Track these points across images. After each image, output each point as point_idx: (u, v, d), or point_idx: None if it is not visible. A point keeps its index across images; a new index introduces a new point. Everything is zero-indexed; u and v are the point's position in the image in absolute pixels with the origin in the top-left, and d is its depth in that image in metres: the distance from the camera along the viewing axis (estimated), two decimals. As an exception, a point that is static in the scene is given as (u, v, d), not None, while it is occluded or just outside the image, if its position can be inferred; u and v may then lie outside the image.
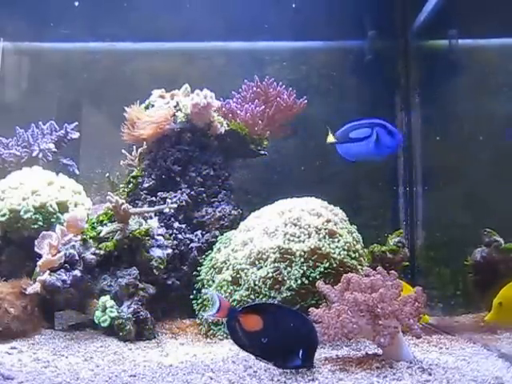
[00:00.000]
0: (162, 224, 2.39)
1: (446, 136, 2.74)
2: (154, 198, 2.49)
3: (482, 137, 2.61)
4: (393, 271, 1.71)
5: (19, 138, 2.73)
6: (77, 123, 2.84)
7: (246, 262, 2.07)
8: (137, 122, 2.55)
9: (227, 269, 2.14)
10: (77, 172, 2.82)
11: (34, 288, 2.00)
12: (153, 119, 2.52)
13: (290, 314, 1.60)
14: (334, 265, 1.99)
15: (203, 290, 2.09)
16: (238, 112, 2.63)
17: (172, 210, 2.42)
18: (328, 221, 2.11)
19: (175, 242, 2.38)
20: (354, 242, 2.11)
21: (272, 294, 1.97)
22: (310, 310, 1.65)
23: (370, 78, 3.03)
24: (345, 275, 1.70)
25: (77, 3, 2.97)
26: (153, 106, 2.63)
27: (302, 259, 1.99)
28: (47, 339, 1.94)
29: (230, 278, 2.09)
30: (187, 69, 3.08)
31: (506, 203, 2.42)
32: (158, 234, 2.22)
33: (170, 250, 2.23)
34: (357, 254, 2.09)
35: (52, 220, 2.31)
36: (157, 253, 2.17)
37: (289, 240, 2.04)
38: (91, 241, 2.13)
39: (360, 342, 1.88)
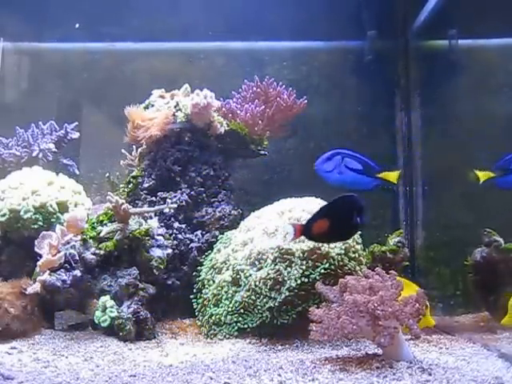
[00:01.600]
0: (162, 224, 2.39)
1: (446, 136, 2.74)
2: (154, 198, 2.49)
3: (482, 136, 2.61)
4: (392, 271, 1.71)
5: (19, 138, 2.73)
6: (77, 123, 2.84)
7: (246, 262, 2.07)
8: (139, 124, 2.55)
9: (227, 269, 2.14)
10: (77, 172, 2.82)
11: (34, 288, 2.00)
12: (156, 120, 2.52)
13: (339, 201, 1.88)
14: (333, 265, 1.99)
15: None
16: (238, 112, 2.63)
17: (172, 210, 2.42)
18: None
19: (175, 242, 2.38)
20: (354, 243, 2.11)
21: (272, 295, 1.97)
22: (309, 309, 1.65)
23: (370, 78, 3.03)
24: (341, 280, 1.70)
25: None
26: (153, 105, 2.63)
27: (302, 259, 1.99)
28: (47, 339, 1.94)
29: (230, 279, 2.09)
30: (187, 69, 3.08)
31: (506, 203, 2.42)
32: (158, 234, 2.22)
33: (169, 250, 2.23)
34: (356, 254, 2.08)
35: (52, 220, 2.31)
36: (157, 253, 2.17)
37: (289, 240, 2.04)
38: (91, 241, 2.13)
39: (360, 342, 1.88)
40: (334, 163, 2.30)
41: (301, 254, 2.00)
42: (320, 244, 2.01)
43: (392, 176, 2.32)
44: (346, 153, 2.32)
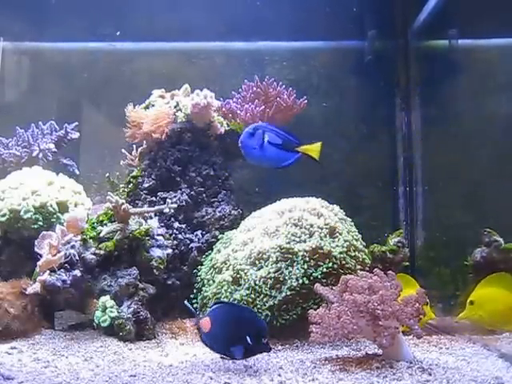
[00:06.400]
0: (162, 224, 2.39)
1: (446, 136, 2.74)
2: (154, 198, 2.49)
3: (482, 136, 2.61)
4: (391, 271, 1.71)
5: (19, 138, 2.73)
6: (77, 123, 2.84)
7: (247, 262, 2.07)
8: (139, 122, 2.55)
9: (227, 269, 2.14)
10: (77, 172, 2.82)
11: (34, 288, 2.00)
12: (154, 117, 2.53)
13: (232, 309, 1.66)
14: (335, 264, 1.99)
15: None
16: (238, 112, 2.63)
17: (172, 210, 2.41)
18: (328, 220, 2.11)
19: (175, 242, 2.38)
20: (354, 241, 2.11)
21: (273, 294, 1.97)
22: (308, 312, 1.65)
23: (370, 78, 3.03)
24: (343, 277, 1.70)
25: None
26: (153, 105, 2.64)
27: (303, 258, 1.99)
28: (47, 339, 1.94)
29: (230, 279, 2.09)
30: (187, 69, 3.08)
31: (506, 203, 2.42)
32: (158, 234, 2.22)
33: (170, 250, 2.23)
34: (357, 253, 2.09)
35: (52, 220, 2.31)
36: (157, 253, 2.17)
37: (290, 240, 2.04)
38: (91, 241, 2.13)
39: (360, 342, 1.88)
40: (256, 139, 2.24)
41: (302, 254, 1.99)
42: (322, 244, 2.01)
43: (313, 149, 2.24)
44: (267, 127, 2.27)
